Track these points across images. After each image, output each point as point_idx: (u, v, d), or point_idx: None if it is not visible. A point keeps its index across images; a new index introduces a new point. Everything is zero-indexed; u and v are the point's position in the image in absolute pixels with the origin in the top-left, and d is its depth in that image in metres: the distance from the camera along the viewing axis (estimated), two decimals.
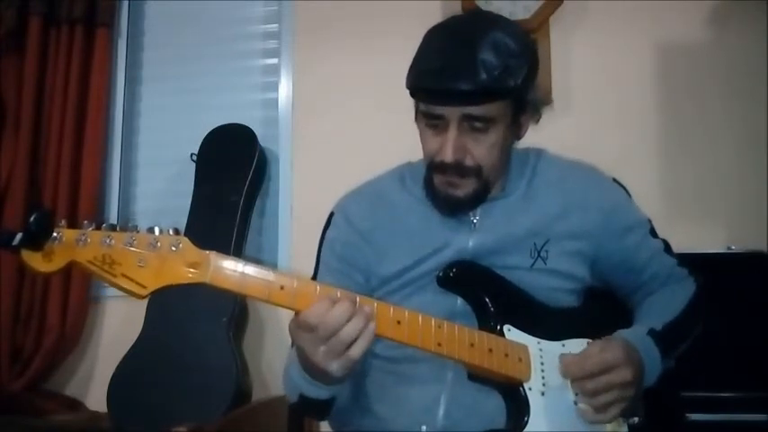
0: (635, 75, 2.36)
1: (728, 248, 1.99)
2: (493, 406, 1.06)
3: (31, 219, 0.83)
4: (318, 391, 1.03)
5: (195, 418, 2.02)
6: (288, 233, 2.53)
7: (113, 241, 0.88)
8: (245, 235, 2.51)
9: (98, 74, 2.65)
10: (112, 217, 2.69)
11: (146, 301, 2.44)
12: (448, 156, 1.09)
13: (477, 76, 1.04)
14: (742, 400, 1.68)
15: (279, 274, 0.94)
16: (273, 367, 2.41)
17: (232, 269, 0.92)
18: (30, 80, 2.62)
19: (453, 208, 1.17)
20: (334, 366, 0.93)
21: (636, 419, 1.09)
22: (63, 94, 2.62)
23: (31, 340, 2.52)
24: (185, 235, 0.92)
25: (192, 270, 0.90)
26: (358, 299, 0.95)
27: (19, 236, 0.83)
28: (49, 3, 2.64)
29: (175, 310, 2.39)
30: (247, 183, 2.50)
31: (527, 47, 1.12)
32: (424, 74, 1.09)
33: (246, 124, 2.58)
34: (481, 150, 1.11)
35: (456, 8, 2.37)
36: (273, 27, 2.74)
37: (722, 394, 1.69)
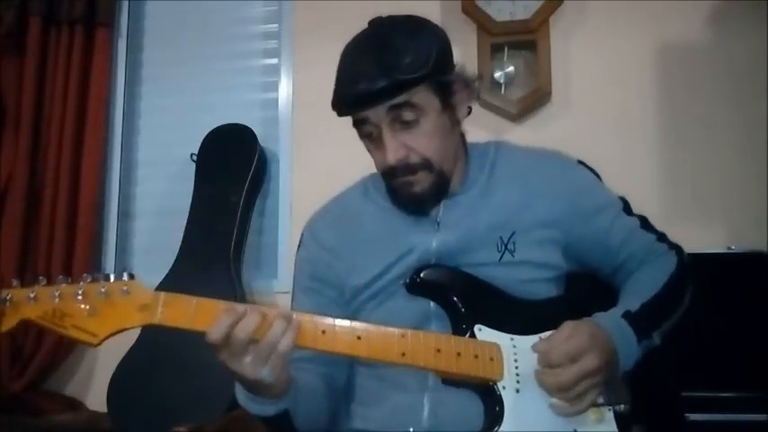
0: (635, 75, 2.36)
1: (728, 248, 1.99)
2: (477, 406, 1.06)
3: None
4: (262, 408, 1.03)
5: (195, 418, 2.02)
6: (288, 233, 2.53)
7: (62, 294, 0.92)
8: (245, 235, 2.51)
9: (98, 74, 2.65)
10: (112, 217, 2.69)
11: None
12: (390, 159, 1.11)
13: (384, 72, 1.07)
14: (742, 400, 1.68)
15: (229, 306, 0.95)
16: None
17: (183, 307, 0.95)
18: (30, 80, 2.62)
19: (418, 205, 1.17)
20: (265, 372, 0.94)
21: (622, 406, 1.08)
22: (63, 94, 2.62)
23: (31, 340, 2.52)
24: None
25: (142, 312, 0.93)
26: (274, 312, 0.96)
27: None
28: (49, 3, 2.64)
29: None
30: (247, 183, 2.50)
31: (431, 34, 1.13)
32: (339, 90, 1.14)
33: (246, 124, 2.58)
34: (421, 142, 1.12)
35: (456, 8, 2.37)
36: (273, 27, 2.74)
37: (722, 394, 1.69)
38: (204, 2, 2.80)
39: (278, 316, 0.94)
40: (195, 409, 2.17)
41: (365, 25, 1.18)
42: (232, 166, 2.53)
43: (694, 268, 1.26)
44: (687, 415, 1.66)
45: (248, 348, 0.93)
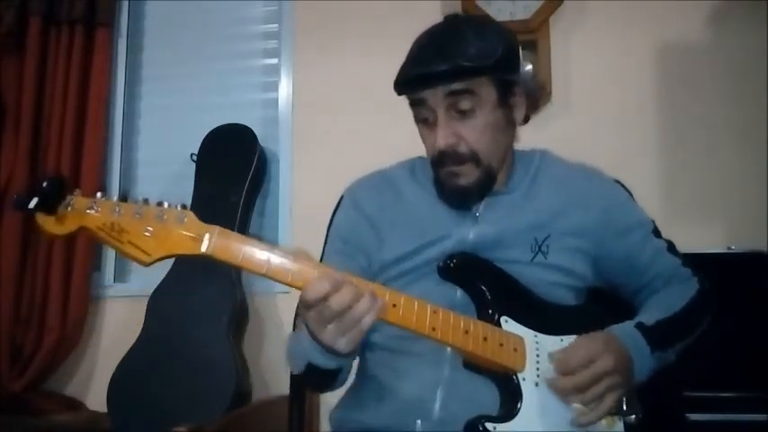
0: (635, 75, 2.36)
1: (728, 248, 1.99)
2: (490, 400, 1.07)
3: (44, 183, 0.90)
4: (328, 361, 1.04)
5: (195, 418, 2.01)
6: (288, 233, 2.53)
7: (122, 211, 0.93)
8: (245, 235, 2.51)
9: (98, 74, 2.65)
10: None
11: (146, 302, 2.44)
12: (440, 143, 1.14)
13: (449, 57, 1.10)
14: (742, 400, 1.68)
15: (280, 251, 0.98)
16: (273, 367, 2.41)
17: (234, 243, 0.98)
18: (30, 80, 2.62)
19: (460, 198, 1.19)
20: (342, 343, 0.96)
21: (633, 417, 1.09)
22: (63, 94, 2.62)
23: (31, 340, 2.52)
24: None
25: (195, 241, 0.96)
26: (363, 288, 0.97)
27: (35, 200, 0.88)
28: (49, 3, 2.64)
29: (175, 309, 2.39)
30: (247, 183, 2.50)
31: (500, 34, 1.17)
32: (403, 69, 1.15)
33: (246, 124, 2.58)
34: (473, 134, 1.14)
35: (456, 8, 2.37)
36: (273, 27, 2.74)
37: (722, 394, 1.69)
38: (204, 2, 2.80)
39: (366, 293, 0.95)
40: (195, 409, 2.17)
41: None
42: (232, 166, 2.53)
43: (699, 270, 1.26)
44: (688, 415, 1.66)
45: (334, 318, 0.94)
